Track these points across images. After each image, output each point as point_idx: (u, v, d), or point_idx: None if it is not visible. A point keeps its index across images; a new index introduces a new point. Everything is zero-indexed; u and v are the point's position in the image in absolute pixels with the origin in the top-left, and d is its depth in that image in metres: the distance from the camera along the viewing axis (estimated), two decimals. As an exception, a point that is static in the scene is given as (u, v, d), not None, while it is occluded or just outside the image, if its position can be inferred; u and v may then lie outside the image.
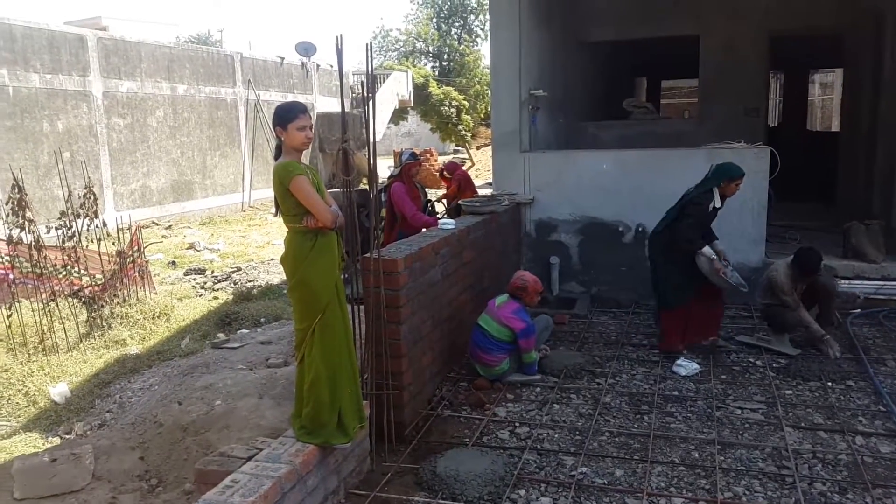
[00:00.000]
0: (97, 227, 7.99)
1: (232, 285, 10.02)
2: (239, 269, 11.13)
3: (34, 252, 7.37)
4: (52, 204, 13.20)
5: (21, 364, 6.61)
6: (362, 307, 4.25)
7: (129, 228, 8.60)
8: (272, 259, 11.70)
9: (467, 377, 5.27)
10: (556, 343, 6.10)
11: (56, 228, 7.63)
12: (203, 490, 3.18)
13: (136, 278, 8.40)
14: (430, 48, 38.61)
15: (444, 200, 8.78)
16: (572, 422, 4.55)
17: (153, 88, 17.27)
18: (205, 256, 12.43)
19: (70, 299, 7.64)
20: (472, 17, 39.39)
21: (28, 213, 7.31)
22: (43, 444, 5.28)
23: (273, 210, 4.26)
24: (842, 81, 12.97)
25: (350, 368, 3.61)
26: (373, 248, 4.23)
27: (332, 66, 24.11)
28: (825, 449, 4.07)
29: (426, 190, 8.16)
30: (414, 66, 33.14)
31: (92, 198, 7.93)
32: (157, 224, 16.46)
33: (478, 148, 34.18)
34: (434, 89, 31.23)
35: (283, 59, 22.35)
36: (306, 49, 22.77)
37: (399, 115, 30.92)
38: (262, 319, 7.77)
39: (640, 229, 7.27)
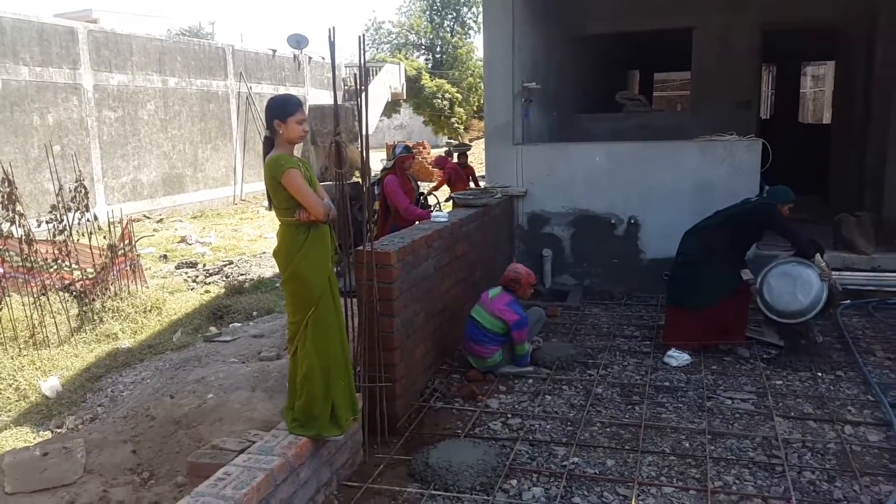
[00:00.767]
0: (88, 220, 7.95)
1: (224, 279, 10.01)
2: (231, 263, 11.11)
3: (24, 246, 7.33)
4: (42, 198, 13.14)
5: (12, 358, 6.59)
6: (355, 300, 4.26)
7: (120, 222, 8.57)
8: (264, 252, 11.68)
9: (460, 369, 5.29)
10: (549, 335, 6.12)
11: (47, 222, 7.60)
12: (195, 483, 3.18)
13: (128, 272, 8.37)
14: (423, 41, 38.54)
15: (435, 193, 8.81)
16: (564, 412, 4.57)
17: (144, 81, 17.17)
18: (196, 250, 12.40)
19: (61, 293, 7.61)
20: (465, 9, 39.33)
21: (18, 207, 7.27)
22: (34, 439, 5.28)
23: (265, 203, 4.25)
24: (833, 74, 13.01)
25: (343, 361, 3.61)
26: (366, 240, 4.23)
27: (324, 59, 24.04)
28: (814, 438, 4.11)
29: (419, 183, 8.17)
30: (406, 59, 33.09)
31: (83, 191, 7.89)
32: (149, 217, 16.40)
33: (470, 140, 34.20)
34: (427, 82, 31.20)
35: (274, 51, 22.26)
36: (298, 41, 22.68)
37: (392, 107, 30.88)
38: (255, 313, 7.77)
39: (633, 222, 7.30)
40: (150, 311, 7.99)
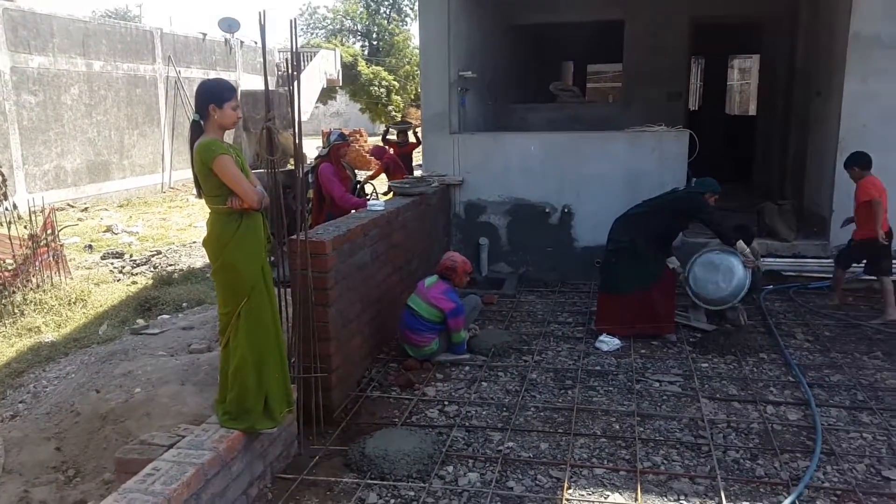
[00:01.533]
0: (7, 209, 7.57)
1: (152, 269, 9.69)
2: (159, 253, 10.77)
3: (-64, 236, 6.94)
4: (-45, 185, 12.40)
5: (-77, 355, 6.23)
6: (290, 290, 4.19)
7: (43, 211, 8.19)
8: (194, 242, 11.36)
9: (397, 358, 5.28)
10: (485, 322, 6.18)
11: (-39, 212, 7.20)
12: (123, 479, 3.09)
13: (51, 263, 8.02)
14: (359, 27, 38.09)
15: (372, 182, 8.73)
16: (500, 398, 4.62)
17: (67, 64, 16.39)
18: (123, 240, 11.96)
19: (-23, 286, 7.23)
20: (402, -4, 39.05)
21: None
22: (-51, 439, 5.00)
23: (195, 191, 4.11)
24: (758, 67, 13.49)
25: (277, 352, 3.55)
26: (299, 229, 4.16)
27: (256, 43, 23.45)
28: (738, 418, 4.28)
29: (355, 171, 8.08)
30: (342, 45, 32.63)
31: (1, 179, 7.51)
32: (73, 206, 15.72)
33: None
34: (363, 69, 30.87)
35: (205, 35, 21.58)
36: (230, 25, 22.05)
37: (327, 94, 30.43)
38: (185, 304, 7.55)
39: (566, 210, 7.42)
40: (74, 303, 7.67)
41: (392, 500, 3.46)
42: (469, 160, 7.53)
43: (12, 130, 15.06)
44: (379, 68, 31.89)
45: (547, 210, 7.48)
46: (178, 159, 19.97)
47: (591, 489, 3.52)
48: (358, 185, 7.40)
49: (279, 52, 25.30)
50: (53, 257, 8.08)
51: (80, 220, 14.00)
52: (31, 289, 7.58)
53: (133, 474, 3.00)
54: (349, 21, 37.91)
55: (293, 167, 5.95)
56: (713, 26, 11.77)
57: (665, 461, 3.79)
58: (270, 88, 4.00)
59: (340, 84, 29.58)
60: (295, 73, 4.00)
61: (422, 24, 7.59)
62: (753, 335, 5.71)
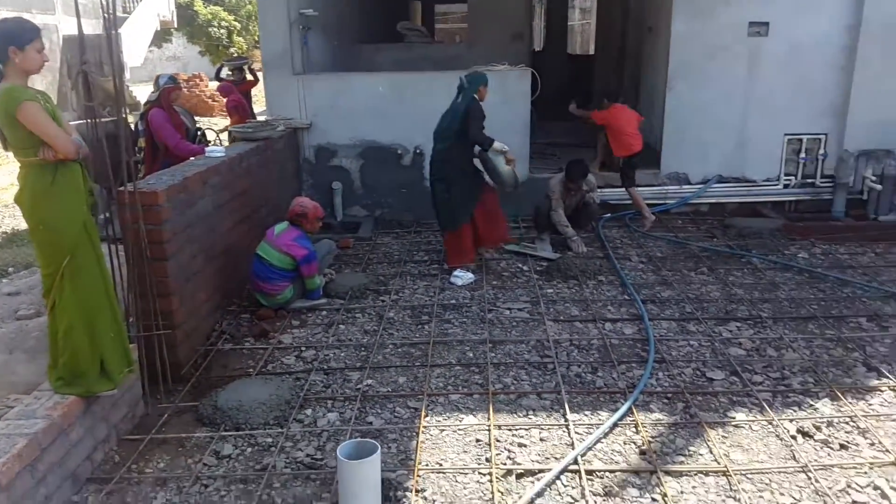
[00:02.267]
0: None
1: (-29, 235, 8.72)
2: (-22, 217, 9.70)
3: None
4: None
5: None
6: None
7: None
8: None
9: (250, 309, 5.14)
10: (342, 266, 6.14)
11: None
12: (-58, 460, 2.82)
13: None
14: (193, -35, 35.38)
15: (213, 128, 8.24)
16: (358, 339, 4.64)
17: None
18: (-67, 205, 10.65)
19: None
20: (238, -69, 36.58)
21: None
22: None
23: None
24: (597, 9, 14.00)
25: (110, 311, 3.33)
26: (127, 180, 3.87)
27: (76, -17, 21.18)
28: (580, 336, 4.57)
29: (194, 117, 7.61)
30: (175, -15, 30.21)
31: None
32: None
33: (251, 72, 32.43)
34: (200, 9, 28.83)
35: (13, -28, 19.19)
36: (42, -39, 19.72)
37: (161, 37, 28.19)
38: (10, 269, 6.88)
39: (418, 151, 7.43)
40: None
41: (249, 449, 3.40)
42: (316, 102, 7.31)
43: None
44: (218, 8, 29.90)
45: (399, 152, 7.46)
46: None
47: (447, 414, 3.65)
48: (199, 133, 6.98)
49: (102, -9, 23.02)
50: None
51: None
52: None
53: (-46, 453, 2.74)
54: (181, -42, 35.12)
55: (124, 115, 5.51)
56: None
57: (515, 381, 3.99)
58: (96, 32, 3.64)
59: (175, 26, 27.50)
60: (109, 14, 3.66)
61: (257, -42, 7.16)
62: (593, 260, 6.08)
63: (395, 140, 7.43)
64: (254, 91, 10.07)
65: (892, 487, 2.94)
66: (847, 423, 3.47)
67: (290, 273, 5.00)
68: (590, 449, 3.29)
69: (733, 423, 3.49)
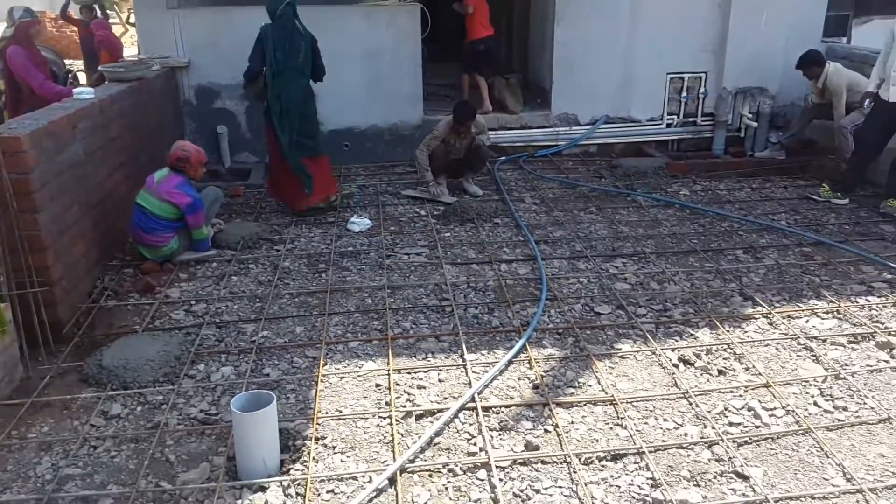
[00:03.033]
0: None
1: None
2: None
3: None
4: None
5: None
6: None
7: None
8: None
9: (133, 262, 4.87)
10: (232, 215, 5.92)
11: None
12: None
13: None
14: None
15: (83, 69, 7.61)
16: (252, 290, 4.51)
17: None
18: None
19: None
20: None
21: None
22: None
23: None
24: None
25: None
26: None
27: None
28: (477, 278, 4.64)
29: (65, 60, 6.99)
30: None
31: None
32: None
33: (130, 10, 30.07)
34: (62, -63, 26.27)
35: None
36: None
37: (20, -32, 25.59)
38: None
39: (309, 92, 7.15)
40: None
41: (139, 408, 3.27)
42: (194, 39, 6.86)
43: None
44: (82, -63, 27.36)
45: (287, 92, 7.15)
46: None
47: (347, 361, 3.63)
48: (69, 75, 6.43)
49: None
50: None
51: None
52: None
53: None
54: None
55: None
56: None
57: (414, 325, 4.02)
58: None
59: (34, -45, 24.98)
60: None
61: None
62: (489, 203, 6.15)
63: (283, 81, 7.11)
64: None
65: (763, 408, 3.20)
66: (724, 350, 3.73)
67: (174, 223, 4.76)
68: (486, 386, 3.38)
69: (619, 355, 3.68)
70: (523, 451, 2.93)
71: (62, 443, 3.03)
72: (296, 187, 5.73)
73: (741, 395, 3.31)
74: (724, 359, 3.64)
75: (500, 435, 3.04)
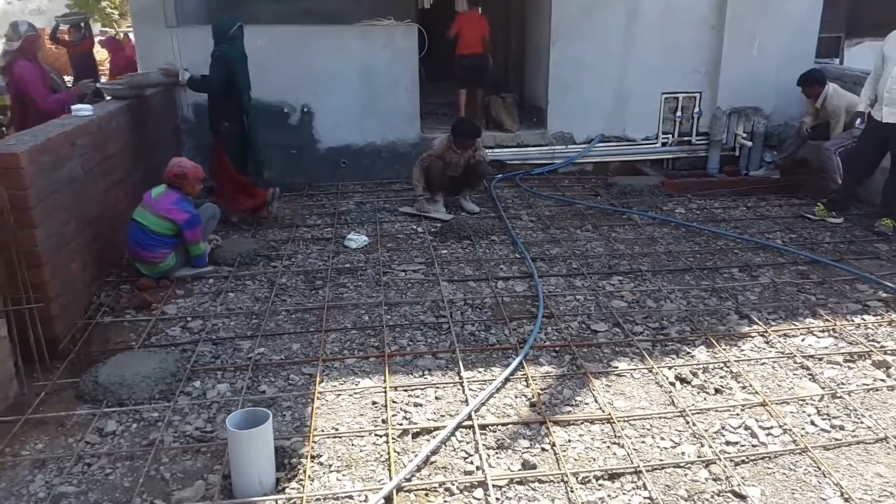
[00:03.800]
0: None
1: None
2: None
3: None
4: None
5: None
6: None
7: None
8: None
9: (129, 279, 4.87)
10: (228, 232, 5.92)
11: None
12: None
13: None
14: None
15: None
16: (248, 307, 4.51)
17: None
18: None
19: None
20: None
21: None
22: None
23: None
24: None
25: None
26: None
27: None
28: (474, 296, 4.64)
29: (64, 77, 7.02)
30: (31, -74, 27.50)
31: None
32: None
33: (129, 27, 30.22)
34: (63, -44, 26.47)
35: None
36: None
37: (20, -14, 25.76)
38: None
39: (306, 110, 7.22)
40: None
41: (134, 425, 3.26)
42: (193, 57, 6.84)
43: None
44: (83, -45, 27.55)
45: (285, 110, 7.21)
46: None
47: (343, 378, 3.62)
48: (90, 91, 6.43)
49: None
50: None
51: None
52: None
53: None
54: None
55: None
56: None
57: (411, 342, 4.01)
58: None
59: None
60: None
61: None
62: (486, 220, 6.17)
63: (280, 98, 7.17)
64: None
65: (760, 427, 3.19)
66: (721, 368, 3.73)
67: (171, 239, 4.76)
68: (483, 404, 3.37)
69: (616, 373, 3.68)
70: (520, 469, 2.92)
71: (56, 460, 3.01)
72: (242, 191, 5.97)
73: (738, 414, 3.30)
74: (720, 377, 3.64)
75: (496, 453, 3.03)
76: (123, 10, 29.52)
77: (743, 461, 2.96)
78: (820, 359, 3.81)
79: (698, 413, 3.31)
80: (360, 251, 5.49)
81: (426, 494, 2.78)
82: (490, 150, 7.28)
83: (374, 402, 3.41)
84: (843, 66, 9.20)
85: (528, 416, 3.30)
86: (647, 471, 2.88)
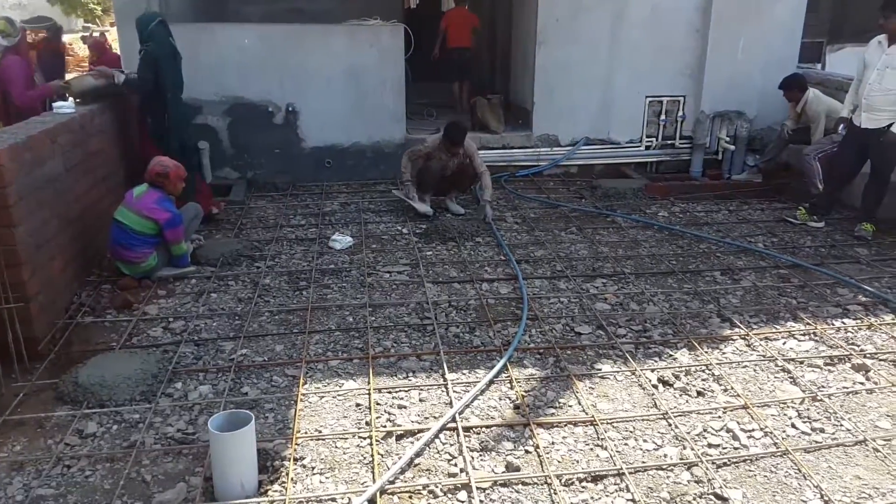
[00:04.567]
0: None
1: None
2: None
3: None
4: None
5: None
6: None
7: None
8: None
9: (111, 278, 4.82)
10: (212, 231, 5.89)
11: None
12: None
13: None
14: None
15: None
16: (231, 308, 4.48)
17: None
18: None
19: None
20: None
21: None
22: None
23: None
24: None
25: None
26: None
27: None
28: (458, 297, 4.64)
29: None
30: (13, -80, 27.12)
31: None
32: None
33: (112, 24, 29.91)
34: (45, -50, 26.15)
35: None
36: None
37: (1, -20, 25.41)
38: None
39: (291, 109, 7.19)
40: None
41: (115, 427, 3.22)
42: (179, 56, 6.84)
43: None
44: (65, -50, 27.24)
45: (270, 109, 7.18)
46: None
47: (327, 381, 3.61)
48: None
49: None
50: None
51: None
52: None
53: None
54: None
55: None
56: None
57: (395, 344, 4.00)
58: None
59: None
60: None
61: None
62: (471, 222, 6.17)
63: (265, 97, 7.14)
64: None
65: (742, 429, 3.22)
66: (703, 371, 3.75)
67: (153, 239, 4.72)
68: (467, 406, 3.37)
69: (599, 375, 3.69)
70: (504, 472, 2.92)
71: (35, 462, 2.97)
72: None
73: (720, 417, 3.33)
74: (702, 380, 3.67)
75: (480, 456, 3.03)
76: (106, 6, 29.23)
77: (725, 463, 2.99)
78: (801, 362, 3.85)
79: (680, 416, 3.33)
80: (344, 252, 5.48)
81: (410, 497, 2.78)
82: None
83: (357, 404, 3.40)
84: (825, 71, 9.32)
85: (511, 418, 3.30)
86: (630, 473, 2.90)
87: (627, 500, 2.75)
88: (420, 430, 3.17)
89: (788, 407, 3.42)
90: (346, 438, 3.13)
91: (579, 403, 3.43)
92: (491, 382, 3.58)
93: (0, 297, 3.57)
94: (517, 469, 2.93)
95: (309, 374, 3.68)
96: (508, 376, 3.65)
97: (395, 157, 7.33)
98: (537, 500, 2.76)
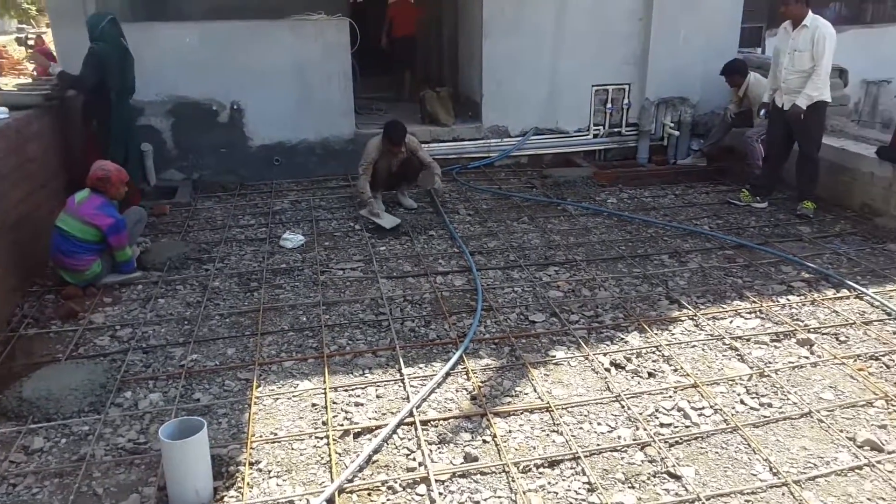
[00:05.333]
0: None
1: None
2: None
3: None
4: None
5: None
6: None
7: None
8: None
9: (54, 288, 4.67)
10: (158, 235, 5.76)
11: None
12: None
13: None
14: None
15: None
16: (180, 313, 4.39)
17: None
18: None
19: None
20: None
21: None
22: None
23: None
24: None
25: None
26: None
27: None
28: (413, 291, 4.64)
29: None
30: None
31: None
32: None
33: (47, 25, 28.91)
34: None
35: None
36: None
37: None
38: None
39: (236, 107, 7.07)
40: None
41: (63, 440, 3.13)
42: (115, 56, 6.65)
43: None
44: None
45: (214, 108, 7.05)
46: None
47: (281, 382, 3.57)
48: None
49: None
50: None
51: None
52: None
53: None
54: None
55: None
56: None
57: (350, 342, 3.98)
58: None
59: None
60: None
61: None
62: (424, 215, 6.17)
63: (209, 95, 7.01)
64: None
65: (692, 408, 3.29)
66: (653, 352, 3.83)
67: (96, 245, 4.59)
68: (424, 400, 3.37)
69: (554, 362, 3.73)
70: (462, 463, 2.93)
71: (-22, 482, 2.87)
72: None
73: (671, 397, 3.40)
74: (653, 361, 3.74)
75: (439, 448, 3.04)
76: (41, 6, 28.26)
77: (677, 442, 3.05)
78: (748, 339, 3.96)
79: (633, 397, 3.39)
80: (296, 251, 5.41)
81: (369, 494, 2.77)
82: (426, 145, 7.25)
83: (313, 404, 3.37)
84: (765, 55, 9.55)
85: (469, 409, 3.32)
86: (586, 456, 2.94)
87: (584, 482, 2.79)
88: (378, 427, 3.17)
89: (737, 384, 3.51)
90: (303, 439, 3.10)
91: (535, 391, 3.46)
92: (447, 375, 3.59)
93: (-66, 313, 3.43)
94: (475, 459, 2.94)
95: (262, 376, 3.63)
96: (465, 368, 3.66)
97: (344, 153, 7.28)
98: (496, 488, 2.78)
